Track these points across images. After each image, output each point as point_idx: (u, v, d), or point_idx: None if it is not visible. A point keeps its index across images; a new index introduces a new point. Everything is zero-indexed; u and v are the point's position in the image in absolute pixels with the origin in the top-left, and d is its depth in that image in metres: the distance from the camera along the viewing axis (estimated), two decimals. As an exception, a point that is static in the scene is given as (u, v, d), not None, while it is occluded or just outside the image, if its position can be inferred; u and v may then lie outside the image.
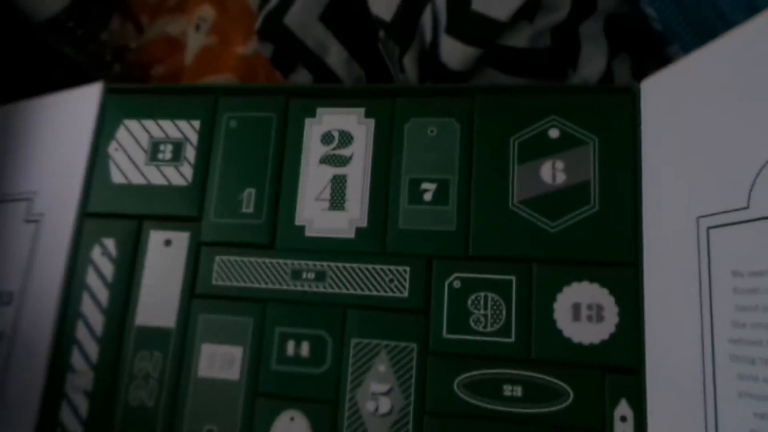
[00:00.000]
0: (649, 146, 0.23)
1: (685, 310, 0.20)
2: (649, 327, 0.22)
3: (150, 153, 0.27)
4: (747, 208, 0.18)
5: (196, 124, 0.27)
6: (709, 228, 0.19)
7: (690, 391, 0.19)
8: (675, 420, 0.20)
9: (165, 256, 0.26)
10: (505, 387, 0.23)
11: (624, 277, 0.23)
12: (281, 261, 0.25)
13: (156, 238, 0.26)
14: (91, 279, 0.26)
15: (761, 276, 0.17)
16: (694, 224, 0.20)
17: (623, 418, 0.22)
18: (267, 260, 0.25)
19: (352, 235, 0.25)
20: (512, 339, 0.23)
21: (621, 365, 0.22)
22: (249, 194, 0.26)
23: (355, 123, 0.26)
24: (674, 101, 0.22)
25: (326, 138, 0.26)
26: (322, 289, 0.25)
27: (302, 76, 0.30)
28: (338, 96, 0.27)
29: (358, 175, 0.26)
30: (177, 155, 0.27)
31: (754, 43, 0.19)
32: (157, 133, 0.28)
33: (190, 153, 0.27)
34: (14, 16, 0.37)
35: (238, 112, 0.27)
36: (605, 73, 0.28)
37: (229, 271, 0.26)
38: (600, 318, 0.23)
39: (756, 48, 0.19)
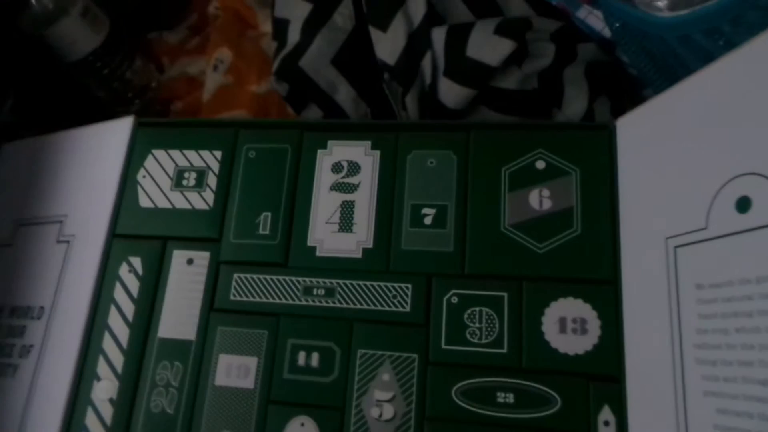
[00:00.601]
0: (625, 175, 0.26)
1: (658, 321, 0.22)
2: (629, 338, 0.24)
3: (175, 180, 0.30)
4: (705, 228, 0.21)
5: (218, 154, 0.30)
6: (676, 247, 0.22)
7: (663, 394, 0.22)
8: (651, 423, 0.22)
9: (187, 274, 0.28)
10: (498, 394, 0.25)
11: (605, 293, 0.25)
12: (294, 278, 0.28)
13: (179, 257, 0.29)
14: (119, 294, 0.28)
15: (719, 287, 0.20)
16: (664, 244, 0.23)
17: (606, 423, 0.24)
18: (281, 277, 0.28)
19: (359, 254, 0.28)
20: (505, 350, 0.25)
21: (604, 374, 0.25)
22: (265, 217, 0.29)
23: (362, 154, 0.29)
24: (645, 137, 0.25)
25: (336, 167, 0.29)
26: (331, 304, 0.27)
27: (313, 113, 0.34)
28: (347, 130, 0.30)
29: (365, 200, 0.28)
30: (200, 182, 0.30)
31: (709, 86, 0.22)
32: (182, 162, 0.30)
33: (212, 180, 0.30)
34: (48, 56, 0.40)
35: (256, 143, 0.30)
36: (587, 113, 0.31)
37: (246, 287, 0.28)
38: (584, 330, 0.25)
39: (710, 91, 0.22)
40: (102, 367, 0.27)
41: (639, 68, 0.29)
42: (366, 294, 0.27)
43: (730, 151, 0.21)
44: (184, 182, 0.30)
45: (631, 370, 0.24)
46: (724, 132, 0.21)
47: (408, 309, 0.27)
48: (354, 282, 0.27)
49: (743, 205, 0.19)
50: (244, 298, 0.28)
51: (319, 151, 0.30)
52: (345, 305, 0.27)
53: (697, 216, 0.21)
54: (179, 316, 0.28)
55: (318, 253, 0.28)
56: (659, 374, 0.22)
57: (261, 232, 0.29)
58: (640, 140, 0.26)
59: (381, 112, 0.33)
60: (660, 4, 0.24)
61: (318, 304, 0.27)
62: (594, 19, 0.30)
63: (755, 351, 0.18)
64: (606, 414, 0.24)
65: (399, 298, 0.27)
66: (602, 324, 0.25)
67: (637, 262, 0.24)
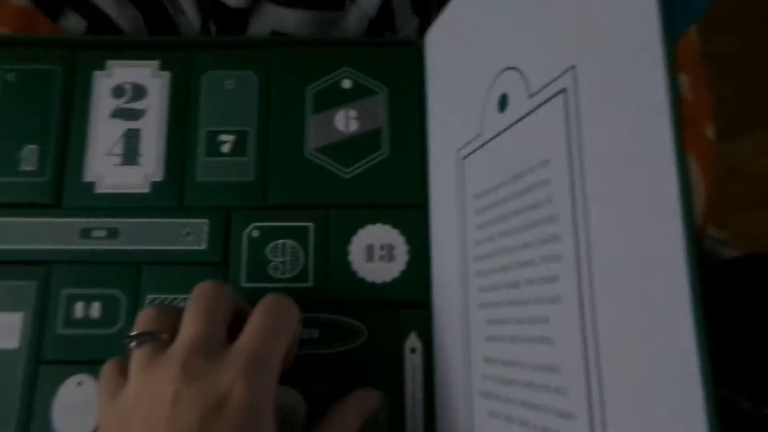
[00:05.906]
0: (431, 93, 0.25)
1: (452, 240, 0.22)
2: (435, 262, 0.23)
3: None
4: (481, 134, 0.20)
5: (-33, 77, 0.25)
6: (463, 158, 0.21)
7: (455, 314, 0.21)
8: (449, 343, 0.22)
9: (-70, 221, 0.23)
10: (303, 330, 0.23)
11: (413, 218, 0.24)
12: (68, 220, 0.24)
13: None
14: None
15: (487, 194, 0.19)
16: (455, 157, 0.22)
17: (413, 350, 0.23)
18: (52, 220, 0.24)
19: (147, 189, 0.24)
20: (310, 283, 0.24)
21: (412, 300, 0.24)
22: (30, 151, 0.24)
23: (148, 75, 0.25)
24: (446, 50, 0.24)
25: (117, 91, 0.25)
26: (114, 247, 0.24)
27: (73, 22, 0.28)
28: (131, 48, 0.26)
29: (153, 128, 0.25)
30: (-57, 111, 0.25)
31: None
32: None
33: (-39, 108, 0.25)
34: None
35: (16, 64, 0.25)
36: (383, 5, 0.28)
37: (7, 233, 0.24)
38: (391, 257, 0.24)
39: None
40: None
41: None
42: (156, 233, 0.24)
43: (497, 48, 0.19)
44: (-76, 112, 0.25)
45: (437, 295, 0.23)
46: (493, 30, 0.20)
47: (204, 247, 0.24)
48: (142, 220, 0.24)
49: (503, 103, 0.18)
50: (6, 246, 0.24)
51: (97, 73, 0.25)
52: (131, 247, 0.24)
53: (476, 122, 0.20)
54: None
55: (97, 190, 0.24)
56: (454, 293, 0.21)
57: (25, 168, 0.24)
58: (443, 54, 0.24)
59: (155, 18, 0.29)
60: None
61: (98, 247, 0.24)
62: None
63: (510, 254, 0.17)
64: (413, 341, 0.23)
65: (194, 236, 0.24)
66: (410, 249, 0.24)
67: (440, 181, 0.23)
